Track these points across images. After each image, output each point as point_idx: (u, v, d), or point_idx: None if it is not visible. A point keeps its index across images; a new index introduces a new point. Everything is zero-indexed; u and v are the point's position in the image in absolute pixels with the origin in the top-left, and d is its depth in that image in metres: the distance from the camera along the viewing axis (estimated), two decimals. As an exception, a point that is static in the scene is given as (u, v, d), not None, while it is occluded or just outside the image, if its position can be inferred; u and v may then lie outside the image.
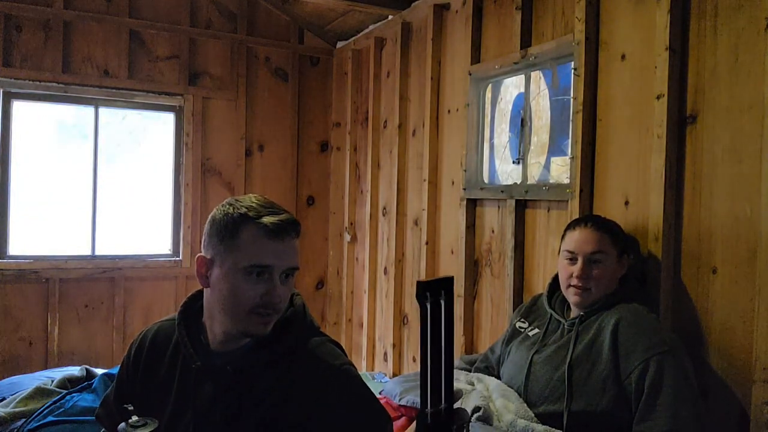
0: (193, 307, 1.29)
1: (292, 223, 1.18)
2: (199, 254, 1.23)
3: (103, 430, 1.34)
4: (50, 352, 3.44)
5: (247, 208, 1.18)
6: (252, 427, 1.16)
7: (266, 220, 1.16)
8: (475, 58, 2.71)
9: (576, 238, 1.77)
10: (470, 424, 1.63)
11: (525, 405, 1.68)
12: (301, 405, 1.16)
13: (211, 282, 1.20)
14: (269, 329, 1.19)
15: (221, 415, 1.18)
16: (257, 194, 1.25)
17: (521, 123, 2.49)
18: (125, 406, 1.18)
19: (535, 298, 2.02)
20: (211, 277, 1.20)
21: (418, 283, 0.79)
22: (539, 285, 2.31)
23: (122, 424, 1.12)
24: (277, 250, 1.17)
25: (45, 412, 1.79)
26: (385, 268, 3.46)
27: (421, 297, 0.79)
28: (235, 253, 1.16)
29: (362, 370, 3.60)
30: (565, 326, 1.77)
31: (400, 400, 1.91)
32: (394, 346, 3.31)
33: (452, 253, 2.87)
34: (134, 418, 1.12)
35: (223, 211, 1.20)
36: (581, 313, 1.74)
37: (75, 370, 2.15)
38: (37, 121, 3.54)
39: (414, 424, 0.90)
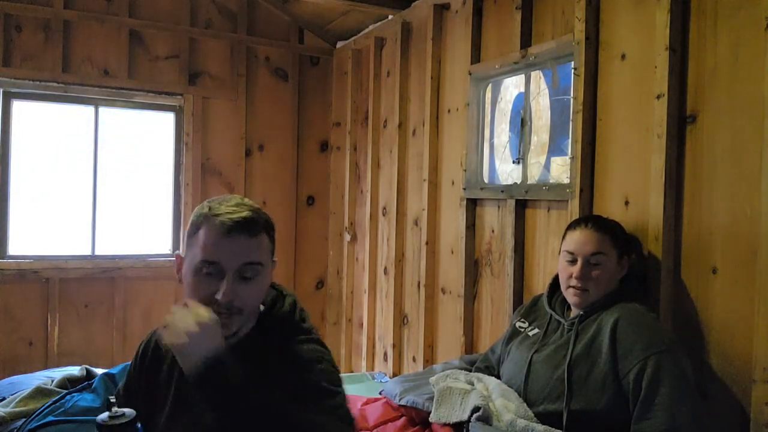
0: None
1: (247, 222, 1.18)
2: (177, 251, 1.27)
3: None
4: (50, 352, 3.44)
5: (210, 207, 1.20)
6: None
7: (221, 218, 1.17)
8: (475, 57, 2.71)
9: (576, 239, 1.77)
10: (470, 423, 1.63)
11: (525, 405, 1.68)
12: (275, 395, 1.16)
13: (182, 279, 1.24)
14: (230, 330, 1.18)
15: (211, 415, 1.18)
16: (241, 197, 1.26)
17: (521, 123, 2.49)
18: (109, 397, 1.21)
19: (536, 298, 2.02)
20: (182, 274, 1.24)
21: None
22: (539, 285, 2.31)
23: (102, 415, 1.15)
24: (230, 247, 1.16)
25: (45, 412, 1.79)
26: (385, 268, 3.46)
27: None
28: (193, 250, 1.19)
29: (362, 370, 3.60)
30: (565, 326, 1.77)
31: (400, 400, 1.91)
32: (394, 346, 3.31)
33: (452, 253, 2.87)
34: (114, 409, 1.15)
35: (197, 209, 1.23)
36: (581, 313, 1.74)
37: (75, 370, 2.14)
38: (37, 121, 3.54)
39: None
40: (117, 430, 1.13)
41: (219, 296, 1.15)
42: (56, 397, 1.86)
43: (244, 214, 1.18)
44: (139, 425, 1.18)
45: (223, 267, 1.16)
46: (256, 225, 1.20)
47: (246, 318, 1.21)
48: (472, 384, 1.85)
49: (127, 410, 1.15)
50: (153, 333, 1.38)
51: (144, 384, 1.34)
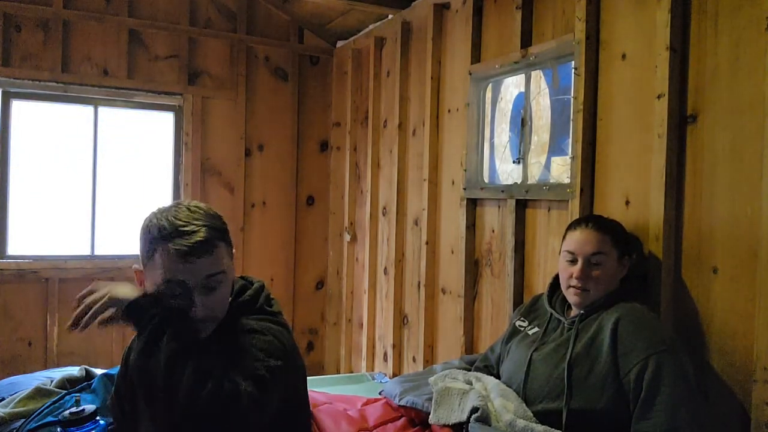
0: None
1: (202, 244, 1.21)
2: (135, 266, 1.31)
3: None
4: (50, 352, 3.44)
5: (159, 228, 1.23)
6: None
7: (174, 245, 1.20)
8: (476, 57, 2.71)
9: (576, 239, 1.76)
10: (469, 424, 1.62)
11: (524, 405, 1.68)
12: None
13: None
14: (207, 333, 1.26)
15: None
16: (185, 205, 1.27)
17: (521, 122, 2.48)
18: (75, 394, 1.31)
19: (536, 297, 2.02)
20: (146, 288, 1.28)
21: None
22: (539, 285, 2.31)
23: (65, 412, 1.25)
24: (190, 269, 1.21)
25: (44, 412, 1.79)
26: (385, 268, 3.46)
27: None
28: (153, 272, 1.24)
29: (362, 370, 3.60)
30: (565, 325, 1.77)
31: (400, 400, 1.90)
32: (394, 346, 3.31)
33: (452, 253, 2.87)
34: (78, 407, 1.26)
35: (146, 225, 1.27)
36: (581, 312, 1.74)
37: (74, 370, 2.14)
38: (36, 121, 3.53)
39: None
40: (76, 424, 1.23)
41: (194, 312, 1.23)
42: (56, 398, 1.85)
43: (198, 237, 1.21)
44: (99, 419, 1.27)
45: (188, 284, 1.22)
46: (211, 242, 1.23)
47: (218, 318, 1.28)
48: (470, 383, 1.84)
49: (87, 407, 1.26)
50: (134, 338, 1.43)
51: (129, 385, 1.39)
